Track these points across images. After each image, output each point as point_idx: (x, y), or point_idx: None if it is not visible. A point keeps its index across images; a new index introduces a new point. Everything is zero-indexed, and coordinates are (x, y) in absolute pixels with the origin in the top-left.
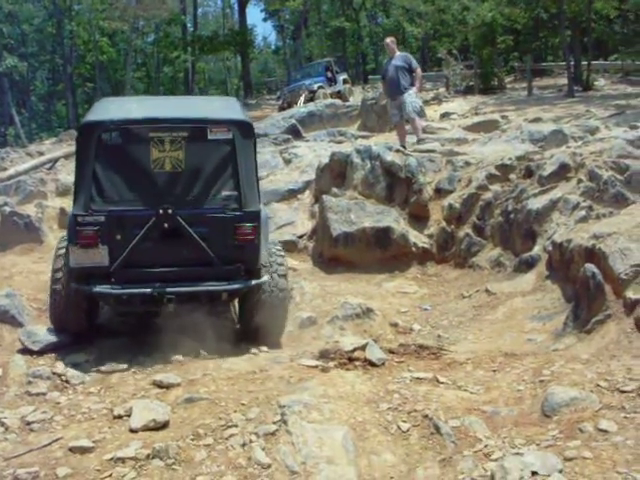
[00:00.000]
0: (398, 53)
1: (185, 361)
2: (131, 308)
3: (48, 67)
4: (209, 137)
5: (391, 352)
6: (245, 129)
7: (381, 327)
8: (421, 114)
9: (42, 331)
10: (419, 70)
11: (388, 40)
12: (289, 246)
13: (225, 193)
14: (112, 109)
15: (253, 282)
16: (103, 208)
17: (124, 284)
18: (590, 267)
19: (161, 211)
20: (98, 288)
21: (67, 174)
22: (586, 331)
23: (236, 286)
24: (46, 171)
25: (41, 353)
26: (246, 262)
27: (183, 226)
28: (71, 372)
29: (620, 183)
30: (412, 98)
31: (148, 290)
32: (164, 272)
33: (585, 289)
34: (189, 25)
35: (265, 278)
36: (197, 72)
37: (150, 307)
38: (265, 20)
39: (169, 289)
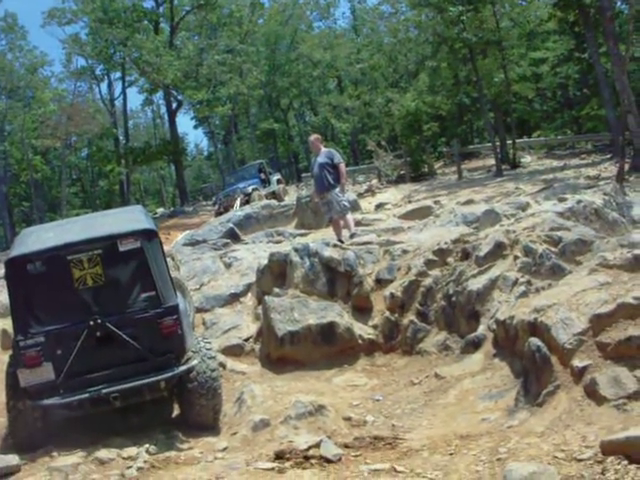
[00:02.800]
0: (323, 149)
1: (139, 475)
2: (82, 412)
3: None
4: (120, 249)
5: (347, 446)
6: (150, 235)
7: (335, 422)
8: (351, 209)
9: None
10: (342, 165)
11: (312, 138)
12: (236, 350)
13: (144, 294)
14: (31, 241)
15: (185, 367)
16: (40, 329)
17: (72, 392)
18: (534, 341)
19: (91, 322)
20: (50, 400)
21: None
22: (538, 404)
23: (170, 374)
24: None
25: None
26: (175, 351)
27: (113, 331)
28: None
29: (555, 255)
30: (338, 197)
31: (94, 393)
32: (105, 374)
33: (532, 363)
34: (121, 138)
35: (195, 362)
36: (132, 183)
37: (99, 408)
38: (196, 127)
39: (112, 388)
